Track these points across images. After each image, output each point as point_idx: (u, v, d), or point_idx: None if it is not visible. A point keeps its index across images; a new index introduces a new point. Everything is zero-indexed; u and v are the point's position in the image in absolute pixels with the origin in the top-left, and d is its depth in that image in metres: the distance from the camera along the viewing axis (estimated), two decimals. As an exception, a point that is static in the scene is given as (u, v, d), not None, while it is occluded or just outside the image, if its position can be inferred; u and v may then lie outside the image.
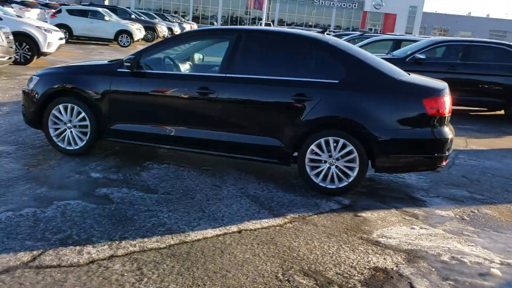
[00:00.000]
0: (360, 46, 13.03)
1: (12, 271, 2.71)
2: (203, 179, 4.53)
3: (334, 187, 4.36)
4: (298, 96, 4.30)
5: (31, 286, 2.58)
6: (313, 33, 4.84)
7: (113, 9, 25.20)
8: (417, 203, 4.43)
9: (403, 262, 3.22)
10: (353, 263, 3.15)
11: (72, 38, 19.85)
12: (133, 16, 25.32)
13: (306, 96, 4.29)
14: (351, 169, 4.30)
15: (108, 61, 5.08)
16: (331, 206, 4.15)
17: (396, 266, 3.15)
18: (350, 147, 4.25)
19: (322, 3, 72.86)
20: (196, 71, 5.18)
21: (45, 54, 11.86)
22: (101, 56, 15.99)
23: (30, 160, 4.68)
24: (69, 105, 4.78)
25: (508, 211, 4.41)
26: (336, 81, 4.30)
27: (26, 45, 11.39)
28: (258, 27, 5.49)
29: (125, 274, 2.78)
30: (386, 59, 9.65)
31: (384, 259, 3.25)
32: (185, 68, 5.10)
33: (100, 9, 20.72)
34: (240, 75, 4.45)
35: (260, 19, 57.59)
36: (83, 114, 4.76)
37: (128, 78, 4.66)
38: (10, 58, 9.67)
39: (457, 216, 4.17)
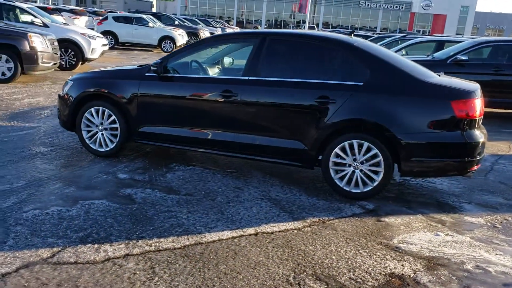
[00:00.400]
0: (402, 48, 12.76)
1: (32, 266, 2.83)
2: (226, 181, 4.56)
3: (359, 191, 4.27)
4: (322, 98, 4.25)
5: (47, 281, 2.68)
6: (338, 35, 4.76)
7: (158, 15, 25.88)
8: (446, 209, 4.27)
9: (422, 269, 3.10)
10: (368, 269, 3.07)
11: (118, 44, 20.56)
12: (176, 22, 25.89)
13: (329, 99, 4.23)
14: (376, 173, 4.21)
15: (138, 66, 5.22)
16: (354, 211, 4.07)
17: (414, 273, 3.05)
18: (374, 151, 4.15)
19: (368, 5, 71.79)
20: (221, 74, 5.23)
21: (89, 60, 12.34)
22: (144, 61, 16.43)
23: (62, 161, 4.87)
24: (101, 108, 4.95)
25: (545, 219, 4.17)
26: (360, 83, 4.22)
27: (71, 51, 11.90)
28: (282, 30, 5.45)
29: (137, 273, 2.84)
30: (426, 61, 9.45)
31: (402, 265, 3.15)
32: (211, 72, 5.16)
33: (144, 16, 21.33)
34: (263, 78, 4.46)
35: (304, 22, 57.36)
36: (113, 117, 4.91)
37: (155, 82, 4.77)
38: (55, 63, 10.13)
39: (488, 224, 3.99)
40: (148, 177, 4.54)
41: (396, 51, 12.64)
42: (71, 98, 5.08)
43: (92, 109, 4.98)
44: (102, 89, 4.94)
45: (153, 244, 3.21)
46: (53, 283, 2.67)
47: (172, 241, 3.27)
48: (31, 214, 3.53)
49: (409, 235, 3.65)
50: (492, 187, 4.97)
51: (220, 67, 5.35)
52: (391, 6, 71.65)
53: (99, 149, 5.05)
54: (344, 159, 4.27)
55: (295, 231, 3.59)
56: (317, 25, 68.06)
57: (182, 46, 22.58)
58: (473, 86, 4.37)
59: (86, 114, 5.01)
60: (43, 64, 9.60)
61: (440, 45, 12.08)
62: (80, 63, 12.20)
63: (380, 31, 65.86)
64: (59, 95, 5.31)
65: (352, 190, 4.29)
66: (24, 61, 9.31)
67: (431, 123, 4.08)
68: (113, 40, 20.28)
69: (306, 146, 4.36)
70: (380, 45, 14.99)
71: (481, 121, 4.31)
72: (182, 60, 4.88)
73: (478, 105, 4.13)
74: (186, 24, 27.07)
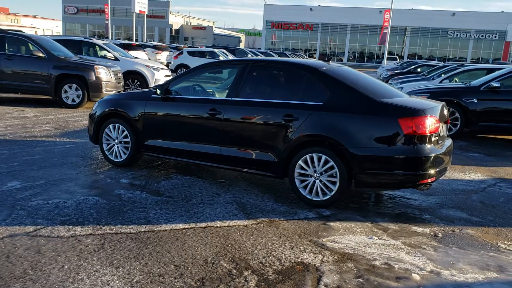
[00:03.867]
0: (453, 75, 12.69)
1: (14, 237, 3.69)
2: (210, 189, 5.22)
3: (319, 199, 4.72)
4: (287, 116, 4.81)
5: (19, 246, 3.52)
6: (308, 60, 5.32)
7: (232, 50, 27.57)
8: (400, 219, 4.55)
9: (330, 261, 3.51)
10: (281, 257, 3.54)
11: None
12: (249, 55, 27.35)
13: (293, 116, 4.78)
14: (333, 183, 4.63)
15: (148, 89, 6.14)
16: (307, 215, 4.52)
17: (320, 263, 3.47)
18: (331, 163, 4.60)
19: (457, 34, 69.43)
20: (210, 95, 5.96)
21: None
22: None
23: (83, 169, 5.86)
24: (116, 124, 5.91)
25: (496, 233, 4.29)
26: (320, 103, 4.72)
27: (137, 82, 13.41)
28: (263, 57, 6.11)
29: (89, 246, 3.59)
30: (462, 88, 9.49)
31: (315, 257, 3.57)
32: (209, 94, 5.93)
33: (216, 50, 22.98)
34: (241, 99, 5.12)
35: (390, 53, 56.75)
36: (125, 132, 5.84)
37: (157, 102, 5.63)
38: (118, 91, 11.55)
39: (431, 233, 4.22)
40: (144, 183, 5.35)
41: (444, 79, 12.60)
42: (96, 115, 6.11)
43: (111, 125, 5.95)
44: (119, 108, 5.90)
45: (114, 229, 3.95)
46: (23, 247, 3.50)
47: (131, 228, 3.99)
48: (35, 203, 4.46)
49: (342, 236, 4.04)
50: (466, 205, 5.10)
51: (218, 90, 6.10)
52: (482, 36, 68.64)
53: (115, 160, 5.98)
54: (306, 170, 4.75)
55: (241, 226, 4.15)
56: (402, 56, 66.97)
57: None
58: (428, 104, 4.67)
59: (106, 130, 6.00)
60: (107, 92, 11.03)
61: (490, 72, 11.87)
62: (145, 92, 13.66)
63: (471, 61, 63.09)
64: (89, 114, 6.38)
65: (314, 198, 4.74)
66: (90, 89, 10.84)
67: (381, 138, 4.45)
68: (186, 72, 22.02)
69: (276, 158, 4.91)
70: (439, 73, 14.92)
71: (437, 137, 4.58)
72: (181, 84, 5.71)
73: (429, 122, 4.43)
74: (258, 57, 28.45)
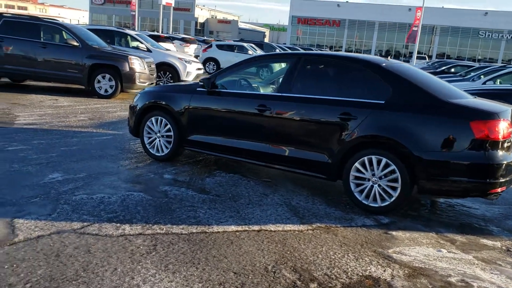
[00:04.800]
0: (496, 77, 12.19)
1: (62, 233, 3.49)
2: (256, 188, 4.96)
3: (377, 205, 4.41)
4: (344, 114, 4.51)
5: (68, 244, 3.31)
6: (367, 55, 4.99)
7: (260, 44, 27.25)
8: (465, 230, 4.22)
9: (402, 276, 3.21)
10: (347, 269, 3.26)
11: (219, 70, 22.04)
12: (277, 50, 27.00)
13: (351, 115, 4.47)
14: (394, 188, 4.32)
15: (193, 82, 5.90)
16: (365, 222, 4.22)
17: (391, 278, 3.17)
18: (392, 167, 4.29)
19: (488, 35, 67.62)
20: (257, 90, 5.68)
21: (184, 82, 13.58)
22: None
23: (124, 162, 5.66)
24: (159, 117, 5.68)
25: None
26: (382, 102, 4.40)
27: (169, 74, 13.22)
28: (317, 51, 5.78)
29: (140, 247, 3.36)
30: (506, 90, 9.06)
31: (384, 270, 3.28)
32: (257, 89, 5.65)
33: (245, 45, 22.68)
34: (293, 94, 4.84)
35: (418, 52, 55.77)
36: (168, 125, 5.61)
37: (203, 96, 5.39)
38: (151, 83, 11.39)
39: (503, 248, 3.89)
40: (188, 179, 5.11)
41: (487, 80, 12.12)
42: (137, 107, 5.90)
43: (153, 118, 5.73)
44: (162, 101, 5.68)
45: (164, 228, 3.73)
46: (72, 246, 3.30)
47: (181, 228, 3.76)
48: (79, 197, 4.27)
49: (408, 248, 3.73)
50: (534, 217, 4.74)
51: (265, 84, 5.83)
52: (515, 36, 66.67)
53: (156, 154, 5.76)
54: (363, 173, 4.45)
55: (296, 232, 3.88)
56: (430, 56, 65.63)
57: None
58: (500, 107, 4.31)
59: (148, 123, 5.78)
60: (140, 83, 10.87)
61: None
62: (176, 84, 13.47)
63: (503, 62, 61.43)
64: (130, 106, 6.17)
65: (370, 204, 4.44)
66: (124, 80, 10.67)
67: (449, 142, 4.11)
68: (215, 66, 21.84)
69: (329, 159, 4.62)
70: (478, 74, 14.39)
71: (509, 142, 4.22)
72: (228, 77, 5.45)
73: (502, 126, 4.08)
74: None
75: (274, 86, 6.01)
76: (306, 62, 4.98)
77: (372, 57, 4.99)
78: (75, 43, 10.58)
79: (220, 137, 5.29)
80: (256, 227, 3.90)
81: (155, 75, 11.75)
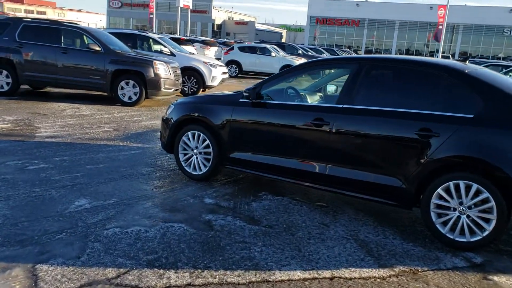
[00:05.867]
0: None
1: (95, 285, 2.84)
2: (312, 216, 4.26)
3: (465, 240, 3.66)
4: (423, 131, 3.77)
5: (103, 303, 2.65)
6: (447, 60, 4.24)
7: (282, 45, 26.51)
8: None
9: None
10: (459, 338, 2.53)
11: (241, 73, 21.40)
12: (300, 52, 26.23)
13: (432, 131, 3.74)
14: (487, 220, 3.57)
15: (234, 92, 5.22)
16: (455, 263, 3.48)
17: None
18: (485, 194, 3.53)
19: (514, 32, 65.71)
20: (314, 101, 4.98)
21: (209, 87, 12.92)
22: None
23: (157, 182, 5.00)
24: (196, 132, 5.01)
25: None
26: (470, 116, 3.66)
27: (194, 79, 12.59)
28: (382, 55, 5.02)
29: (192, 306, 2.68)
30: None
31: None
32: (305, 99, 4.94)
33: (268, 46, 21.95)
34: (357, 106, 4.12)
35: (438, 51, 54.45)
36: (207, 141, 4.94)
37: (248, 108, 4.70)
38: (176, 89, 10.78)
39: None
40: (233, 204, 4.43)
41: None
42: (171, 121, 5.23)
43: (189, 133, 5.07)
44: (199, 113, 5.01)
45: (217, 276, 3.04)
46: (108, 305, 2.63)
47: (237, 275, 3.07)
48: (112, 232, 3.61)
49: (522, 301, 2.98)
50: None
51: (315, 94, 5.11)
52: (543, 33, 64.69)
53: (193, 173, 5.10)
54: (448, 201, 3.70)
55: (378, 280, 3.15)
56: (453, 55, 64.06)
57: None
58: None
59: (183, 138, 5.12)
60: (165, 89, 10.26)
61: None
62: (201, 89, 12.83)
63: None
64: (162, 118, 5.52)
65: (457, 239, 3.69)
66: (149, 86, 10.05)
67: (560, 165, 3.35)
68: (237, 69, 21.19)
69: (404, 183, 3.89)
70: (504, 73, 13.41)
71: None
72: (275, 86, 4.75)
73: None
74: (309, 53, 27.29)
75: (322, 94, 5.31)
76: (371, 68, 4.25)
77: (449, 61, 4.24)
78: (97, 48, 10.01)
79: (267, 155, 4.59)
80: (327, 273, 3.19)
81: (180, 81, 11.12)
